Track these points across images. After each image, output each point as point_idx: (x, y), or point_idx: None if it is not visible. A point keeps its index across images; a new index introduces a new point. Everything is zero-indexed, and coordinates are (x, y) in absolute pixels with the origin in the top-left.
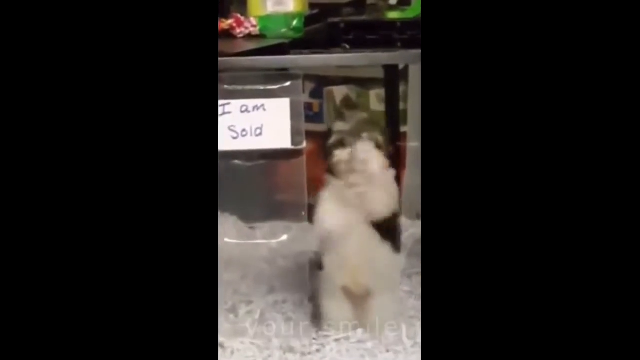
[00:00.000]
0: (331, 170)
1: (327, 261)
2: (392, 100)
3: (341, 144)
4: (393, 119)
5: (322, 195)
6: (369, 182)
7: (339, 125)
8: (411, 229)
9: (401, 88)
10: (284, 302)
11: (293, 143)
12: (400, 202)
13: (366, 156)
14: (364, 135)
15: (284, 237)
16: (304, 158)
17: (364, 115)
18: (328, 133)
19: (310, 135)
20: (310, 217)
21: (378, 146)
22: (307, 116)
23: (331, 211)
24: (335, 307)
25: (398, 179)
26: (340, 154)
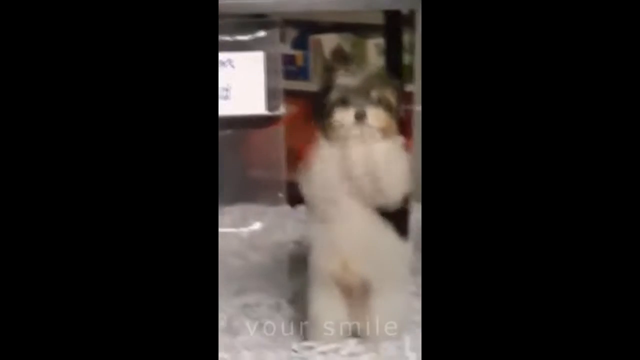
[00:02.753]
0: (326, 134)
1: (314, 244)
2: (395, 52)
3: (343, 102)
4: (395, 75)
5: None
6: (378, 158)
7: (343, 79)
8: (417, 214)
9: (405, 37)
10: (257, 305)
11: (268, 108)
12: None
13: (376, 122)
14: (373, 93)
15: (257, 225)
16: (282, 126)
17: (375, 68)
18: (326, 88)
19: (292, 95)
20: (290, 199)
21: (389, 108)
22: (288, 72)
23: (324, 177)
24: (324, 305)
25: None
26: (341, 116)
